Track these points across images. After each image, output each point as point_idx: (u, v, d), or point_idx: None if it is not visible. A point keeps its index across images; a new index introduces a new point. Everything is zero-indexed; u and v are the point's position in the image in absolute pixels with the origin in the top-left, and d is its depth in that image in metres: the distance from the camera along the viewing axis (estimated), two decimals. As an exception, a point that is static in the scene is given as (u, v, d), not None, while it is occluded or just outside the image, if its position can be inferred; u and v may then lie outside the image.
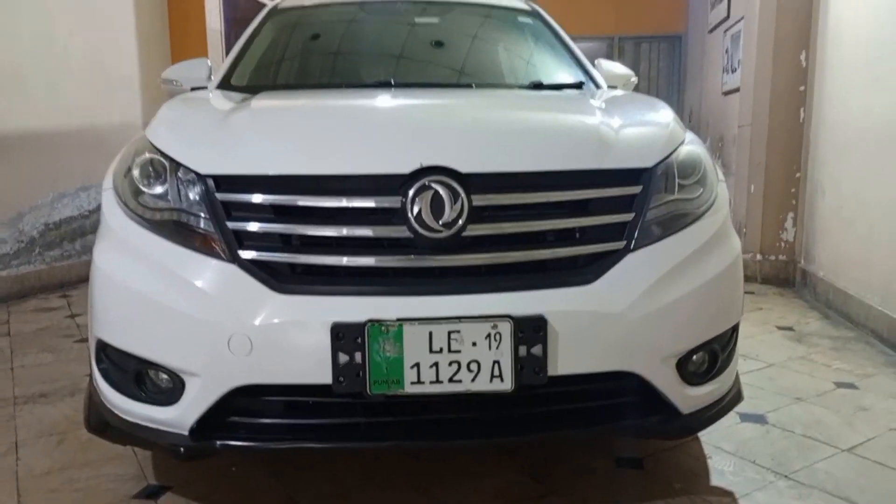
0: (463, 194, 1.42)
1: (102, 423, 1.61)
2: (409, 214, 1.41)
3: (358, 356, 1.37)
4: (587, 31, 7.58)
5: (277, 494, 1.74)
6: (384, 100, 2.02)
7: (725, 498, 1.72)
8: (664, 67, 8.13)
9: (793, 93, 4.27)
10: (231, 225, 1.45)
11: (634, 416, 1.54)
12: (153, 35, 5.35)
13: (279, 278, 1.42)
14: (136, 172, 1.58)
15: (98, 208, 1.68)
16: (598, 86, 2.50)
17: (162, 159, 1.56)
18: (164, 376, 1.50)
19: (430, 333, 1.38)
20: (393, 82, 2.31)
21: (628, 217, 1.52)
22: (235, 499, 1.74)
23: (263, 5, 3.41)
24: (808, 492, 1.74)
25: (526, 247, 1.48)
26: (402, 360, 1.38)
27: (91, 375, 1.65)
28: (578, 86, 2.45)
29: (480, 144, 1.55)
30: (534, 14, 2.91)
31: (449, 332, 1.38)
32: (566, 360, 1.42)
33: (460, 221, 1.42)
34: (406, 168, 1.44)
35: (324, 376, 1.39)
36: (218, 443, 1.45)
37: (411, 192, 1.42)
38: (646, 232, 1.53)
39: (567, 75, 2.56)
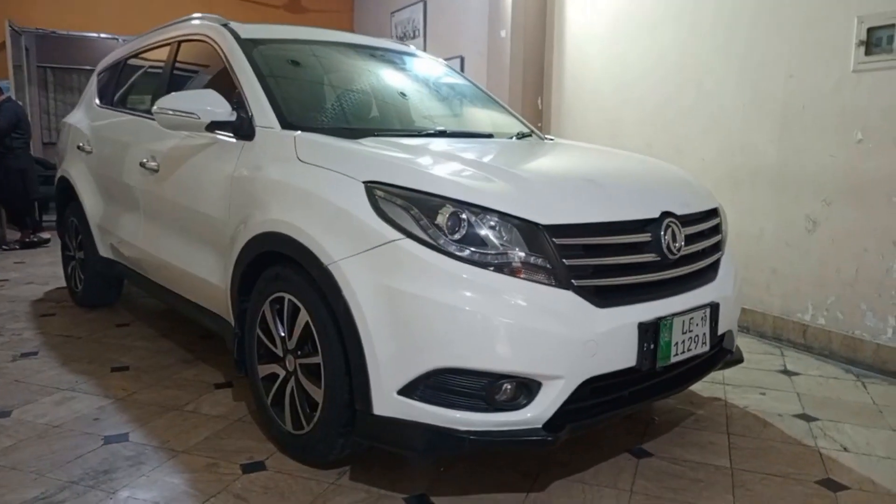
0: (681, 228, 2.18)
1: (442, 442, 1.84)
2: (662, 244, 2.10)
3: (652, 343, 2.01)
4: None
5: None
6: (553, 156, 2.64)
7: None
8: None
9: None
10: (566, 261, 1.91)
11: (728, 355, 2.50)
12: None
13: (598, 297, 1.94)
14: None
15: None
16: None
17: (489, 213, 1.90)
18: (509, 385, 1.86)
19: (683, 322, 2.11)
20: (447, 131, 2.77)
21: (719, 237, 2.47)
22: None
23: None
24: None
25: (701, 258, 2.30)
26: (670, 341, 2.07)
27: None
28: (529, 134, 3.26)
29: (674, 195, 2.30)
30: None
31: (690, 319, 2.13)
32: (721, 326, 2.31)
33: (682, 246, 2.17)
34: (654, 213, 2.12)
35: (630, 361, 1.99)
36: (568, 426, 1.90)
37: (662, 229, 2.10)
38: (722, 245, 2.51)
39: (521, 125, 3.34)
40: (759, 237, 3.84)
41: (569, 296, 1.90)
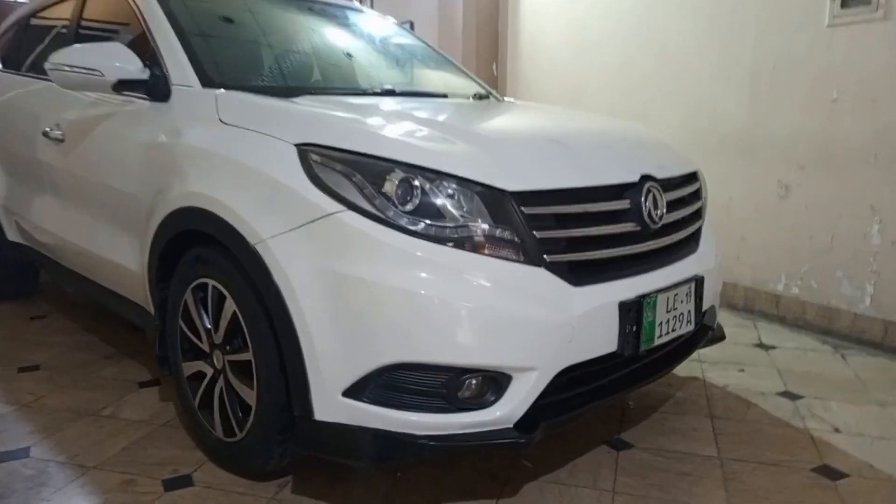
0: (662, 194, 1.92)
1: (396, 450, 1.56)
2: (643, 211, 1.84)
3: (634, 324, 1.76)
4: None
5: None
6: (516, 116, 2.32)
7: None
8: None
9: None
10: (537, 234, 1.63)
11: (710, 333, 2.27)
12: None
13: (572, 275, 1.68)
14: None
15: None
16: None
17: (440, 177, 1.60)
18: (474, 381, 1.59)
19: (668, 299, 1.86)
20: (396, 90, 2.46)
21: (700, 203, 2.23)
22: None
23: None
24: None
25: (682, 228, 2.05)
26: (654, 322, 1.82)
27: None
28: (487, 96, 2.96)
29: (653, 157, 2.04)
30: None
31: (675, 296, 1.89)
32: (705, 301, 2.07)
33: (664, 214, 1.92)
34: (633, 177, 1.86)
35: (610, 345, 1.73)
36: (542, 424, 1.64)
37: (642, 195, 1.84)
38: (703, 212, 2.27)
39: (477, 86, 3.04)
40: (728, 205, 3.64)
41: (541, 273, 1.63)
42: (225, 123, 1.93)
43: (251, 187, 1.75)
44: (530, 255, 1.62)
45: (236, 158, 1.82)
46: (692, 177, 2.23)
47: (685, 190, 2.13)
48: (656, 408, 2.40)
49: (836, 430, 2.23)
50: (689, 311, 1.97)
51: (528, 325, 1.58)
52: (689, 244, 2.12)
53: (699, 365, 2.79)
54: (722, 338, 2.36)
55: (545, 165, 1.77)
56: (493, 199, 1.61)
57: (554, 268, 1.65)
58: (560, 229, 1.69)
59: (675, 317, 1.91)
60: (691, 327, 1.99)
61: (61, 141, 2.66)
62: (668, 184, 2.01)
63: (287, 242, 1.63)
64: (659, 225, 1.90)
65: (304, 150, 1.69)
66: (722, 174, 3.63)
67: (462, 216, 1.59)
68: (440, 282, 1.54)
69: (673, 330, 1.91)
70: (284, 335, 1.64)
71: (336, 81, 2.64)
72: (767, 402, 2.46)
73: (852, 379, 2.70)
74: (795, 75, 3.29)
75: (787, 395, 2.53)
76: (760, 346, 3.10)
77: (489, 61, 5.45)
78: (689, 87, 3.83)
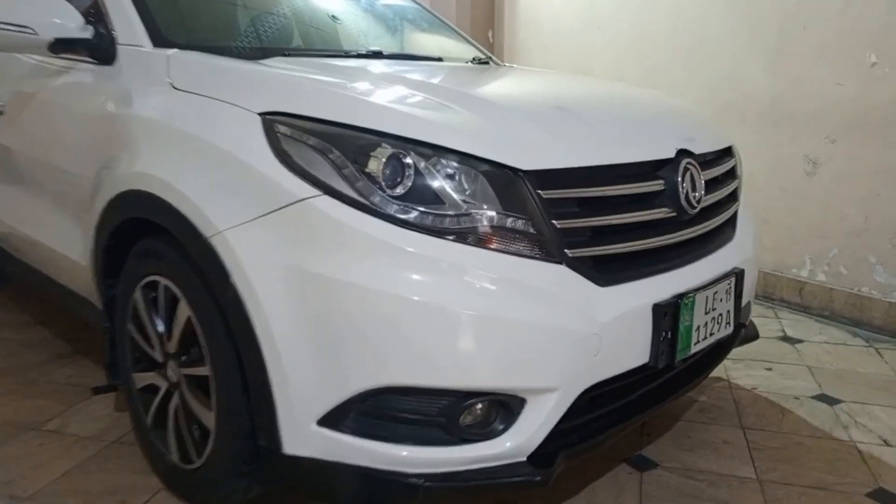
0: (700, 172, 1.62)
1: (384, 491, 1.27)
2: (680, 193, 1.54)
3: (669, 330, 1.47)
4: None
5: None
6: (525, 82, 2.00)
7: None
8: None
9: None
10: (557, 223, 1.32)
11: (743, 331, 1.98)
12: None
13: (598, 272, 1.38)
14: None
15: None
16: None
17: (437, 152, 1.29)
18: (479, 406, 1.30)
19: (706, 299, 1.57)
20: (384, 52, 2.12)
21: (736, 183, 1.93)
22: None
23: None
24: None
25: (718, 212, 1.75)
26: (691, 326, 1.53)
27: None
28: (487, 61, 2.63)
29: (686, 129, 1.73)
30: None
31: (714, 294, 1.59)
32: (745, 295, 1.78)
33: (702, 196, 1.62)
34: (668, 152, 1.55)
35: (642, 357, 1.44)
36: (561, 454, 1.35)
37: (679, 173, 1.54)
38: (738, 193, 1.97)
39: (476, 51, 2.71)
40: (749, 183, 3.30)
41: (562, 272, 1.33)
42: (177, 89, 1.60)
43: (207, 167, 1.43)
44: (549, 249, 1.32)
45: (189, 131, 1.50)
46: (727, 152, 1.93)
47: (721, 168, 1.83)
48: (679, 416, 2.12)
49: (886, 443, 1.96)
50: (728, 311, 1.67)
51: (547, 336, 1.28)
52: (726, 231, 1.82)
53: (722, 363, 2.51)
54: (755, 337, 2.07)
55: (566, 139, 1.45)
56: (504, 181, 1.30)
57: (577, 264, 1.34)
58: (584, 217, 1.38)
59: (713, 319, 1.61)
60: (730, 329, 1.70)
61: (1, 113, 2.32)
62: (704, 160, 1.71)
63: (248, 235, 1.32)
64: (697, 209, 1.60)
65: (270, 120, 1.38)
66: (743, 148, 3.29)
67: (465, 202, 1.28)
68: (437, 284, 1.23)
69: (711, 334, 1.62)
70: (246, 349, 1.34)
71: (317, 45, 2.30)
72: (803, 408, 2.18)
73: (892, 378, 2.43)
74: (828, 36, 2.97)
75: (823, 398, 2.26)
76: (785, 339, 2.83)
77: (486, 26, 5.09)
78: (708, 51, 3.50)
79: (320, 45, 2.33)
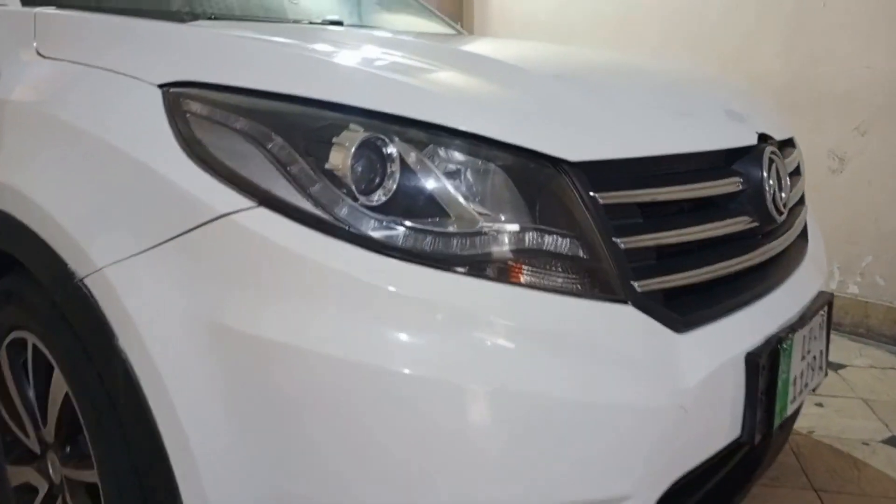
0: (784, 165, 1.19)
1: None
2: (766, 193, 1.10)
3: (765, 388, 1.03)
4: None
5: None
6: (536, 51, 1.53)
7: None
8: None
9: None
10: (620, 241, 0.87)
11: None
12: None
13: (674, 310, 0.93)
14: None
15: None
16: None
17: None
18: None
19: (803, 338, 1.13)
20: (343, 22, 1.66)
21: (801, 181, 1.51)
22: None
23: None
24: None
25: (795, 218, 1.32)
26: (788, 379, 1.10)
27: None
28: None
29: (761, 110, 1.30)
30: None
31: (811, 332, 1.16)
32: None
33: (788, 198, 1.19)
34: (749, 139, 1.12)
35: (733, 430, 1.00)
36: None
37: (763, 166, 1.10)
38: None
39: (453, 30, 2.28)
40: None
41: (630, 315, 0.87)
42: (46, 58, 1.11)
43: (83, 171, 0.95)
44: (609, 281, 0.87)
45: (59, 116, 1.01)
46: (790, 143, 1.51)
47: (793, 161, 1.41)
48: (732, 473, 1.69)
49: None
50: (821, 352, 1.24)
51: (612, 419, 0.83)
52: (798, 243, 1.40)
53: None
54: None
55: (626, 117, 1.00)
56: (539, 179, 0.85)
57: (647, 303, 0.90)
58: (654, 231, 0.94)
59: (808, 365, 1.18)
60: (822, 376, 1.27)
61: None
62: (783, 151, 1.29)
63: (141, 272, 0.84)
64: (784, 216, 1.18)
65: (175, 94, 0.90)
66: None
67: (479, 213, 0.82)
68: (438, 346, 0.77)
69: (806, 386, 1.18)
70: (143, 449, 0.86)
71: (256, 12, 1.82)
72: (878, 458, 1.77)
73: (964, 409, 2.05)
74: (855, 11, 2.60)
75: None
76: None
77: (454, 20, 4.66)
78: (711, 29, 3.11)
79: (262, 12, 1.85)
